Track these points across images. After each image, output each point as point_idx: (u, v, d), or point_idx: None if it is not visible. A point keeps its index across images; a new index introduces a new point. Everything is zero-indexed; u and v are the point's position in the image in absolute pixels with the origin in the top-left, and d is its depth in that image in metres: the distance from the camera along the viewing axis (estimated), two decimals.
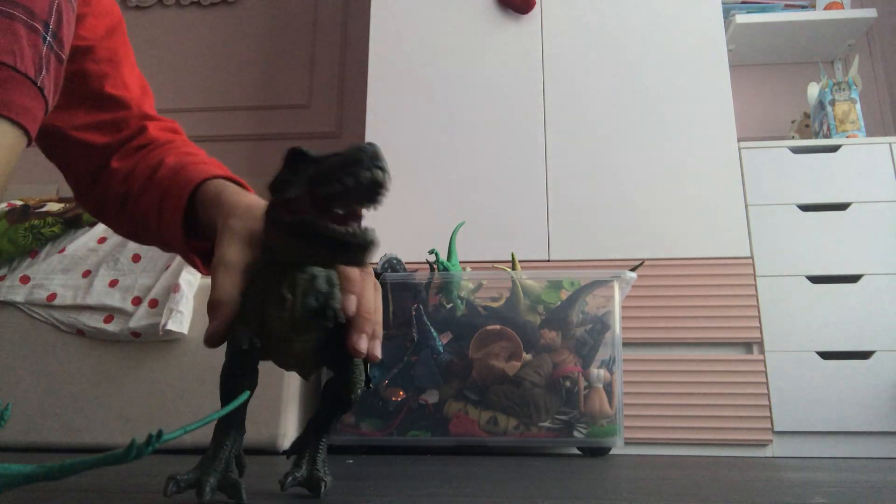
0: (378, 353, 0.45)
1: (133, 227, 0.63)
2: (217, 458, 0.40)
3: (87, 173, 0.64)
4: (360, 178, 0.35)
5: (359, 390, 0.45)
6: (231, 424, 0.42)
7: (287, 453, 0.48)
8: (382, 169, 0.35)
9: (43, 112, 0.46)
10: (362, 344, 0.42)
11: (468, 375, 1.30)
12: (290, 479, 0.44)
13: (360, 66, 2.48)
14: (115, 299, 1.38)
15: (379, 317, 0.46)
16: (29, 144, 0.46)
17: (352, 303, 0.43)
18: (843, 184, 1.81)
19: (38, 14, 0.44)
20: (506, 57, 1.91)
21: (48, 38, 0.45)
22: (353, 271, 0.44)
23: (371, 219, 1.49)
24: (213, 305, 0.43)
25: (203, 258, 0.60)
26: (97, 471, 0.73)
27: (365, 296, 0.44)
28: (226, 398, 0.41)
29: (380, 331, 0.46)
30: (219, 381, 0.41)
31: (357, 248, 0.37)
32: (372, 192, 0.36)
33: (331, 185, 0.36)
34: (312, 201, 0.37)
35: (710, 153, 1.78)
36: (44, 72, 0.45)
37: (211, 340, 0.42)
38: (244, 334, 0.40)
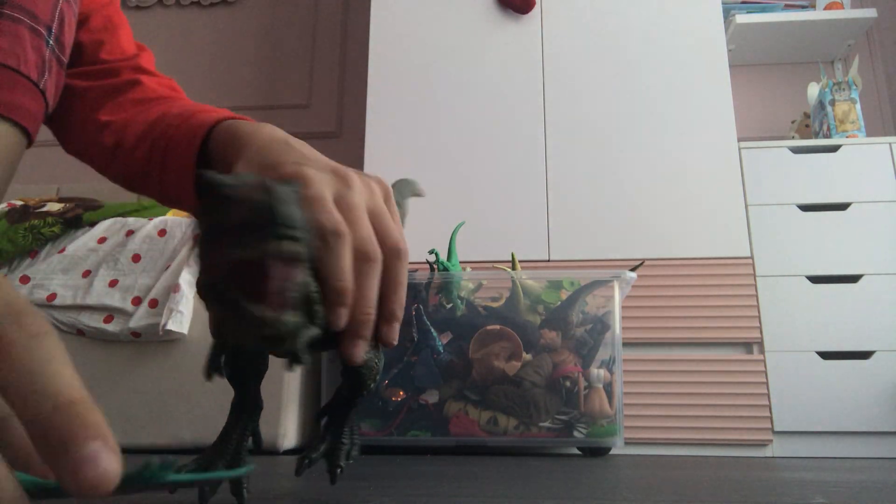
0: (391, 337, 0.39)
1: (127, 176, 0.58)
2: (228, 440, 0.40)
3: (70, 125, 0.59)
4: (262, 249, 0.26)
5: (371, 384, 0.41)
6: (243, 406, 0.41)
7: (316, 416, 0.47)
8: (293, 238, 0.27)
9: (43, 113, 0.46)
10: (355, 351, 0.37)
11: (468, 375, 1.30)
12: (306, 460, 0.42)
13: (360, 66, 2.48)
14: (115, 299, 1.38)
15: (393, 297, 0.39)
16: (29, 145, 0.46)
17: (340, 317, 0.35)
18: (843, 184, 1.81)
19: (42, 18, 0.45)
20: (506, 57, 1.91)
21: (51, 41, 0.46)
22: (333, 269, 0.35)
23: None
24: None
25: None
26: None
27: (357, 290, 0.37)
28: (230, 381, 0.40)
29: (395, 312, 0.39)
30: (222, 379, 0.41)
31: (270, 339, 0.28)
32: (285, 262, 0.27)
33: (230, 252, 0.27)
34: (223, 257, 0.27)
35: (710, 153, 1.78)
36: (46, 75, 0.45)
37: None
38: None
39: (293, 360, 0.32)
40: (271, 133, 0.44)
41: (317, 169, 0.39)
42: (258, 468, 0.77)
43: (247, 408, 0.41)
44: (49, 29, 0.46)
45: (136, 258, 1.44)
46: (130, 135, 0.55)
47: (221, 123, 0.49)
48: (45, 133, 0.64)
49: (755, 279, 1.71)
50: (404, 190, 0.57)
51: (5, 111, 0.43)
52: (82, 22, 0.56)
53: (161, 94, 0.59)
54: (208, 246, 0.28)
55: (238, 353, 0.41)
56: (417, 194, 0.58)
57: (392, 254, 0.39)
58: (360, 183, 0.40)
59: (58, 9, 0.46)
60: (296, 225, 0.27)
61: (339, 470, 0.42)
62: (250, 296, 0.27)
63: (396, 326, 0.39)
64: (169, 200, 0.56)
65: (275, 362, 0.44)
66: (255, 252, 0.26)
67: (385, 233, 0.39)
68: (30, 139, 0.45)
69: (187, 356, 1.37)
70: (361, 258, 0.36)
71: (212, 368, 0.38)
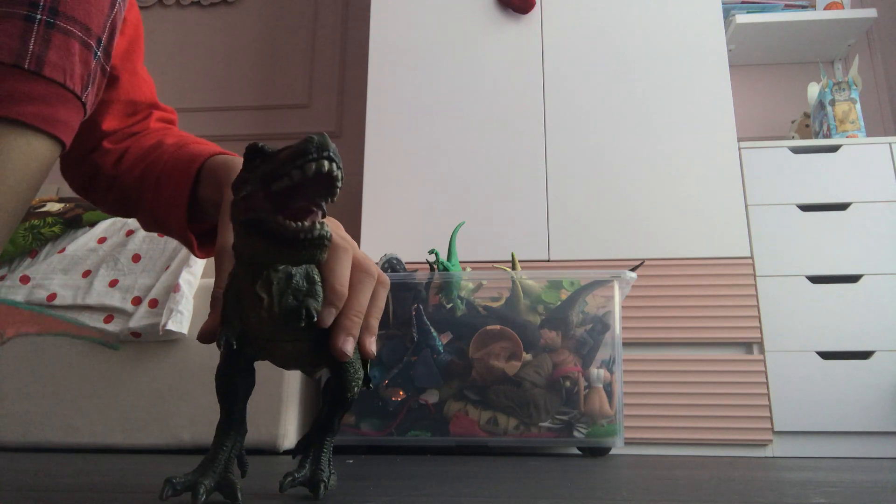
0: (371, 349, 0.43)
1: (120, 202, 0.62)
2: (215, 460, 0.40)
3: (78, 152, 0.62)
4: (306, 170, 0.34)
5: (356, 389, 0.44)
6: (231, 425, 0.41)
7: (293, 454, 0.48)
8: (330, 159, 0.34)
9: (80, 121, 0.47)
10: (346, 346, 0.40)
11: (468, 375, 1.30)
12: (290, 479, 0.43)
13: (360, 66, 2.48)
14: (115, 299, 1.38)
15: (375, 313, 0.44)
16: (63, 152, 0.47)
17: (329, 315, 0.40)
18: (843, 184, 1.81)
19: (95, 31, 0.46)
20: (506, 57, 1.91)
21: (99, 52, 0.46)
22: (337, 273, 0.41)
23: (371, 219, 1.50)
24: (215, 299, 0.42)
25: (199, 239, 0.59)
26: (95, 470, 0.73)
27: (355, 296, 0.42)
28: (222, 398, 0.41)
29: (374, 327, 0.44)
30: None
31: (306, 243, 0.35)
32: (322, 184, 0.34)
33: (280, 181, 0.34)
34: (267, 198, 0.35)
35: (710, 153, 1.78)
36: (90, 87, 0.46)
37: (203, 337, 0.42)
38: (224, 334, 0.39)
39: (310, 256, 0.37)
40: None
41: None
42: (258, 468, 0.77)
43: (235, 427, 0.42)
44: (99, 41, 0.46)
45: (136, 258, 1.44)
46: (127, 160, 0.60)
47: (216, 156, 0.55)
48: None
49: (755, 279, 1.71)
50: None
51: (48, 127, 0.43)
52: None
53: (157, 129, 0.64)
54: (258, 185, 0.35)
55: (235, 359, 0.41)
56: None
57: (380, 281, 0.45)
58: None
59: (110, 19, 0.47)
60: (331, 148, 0.34)
61: (319, 495, 0.44)
62: (291, 216, 0.35)
63: (373, 340, 0.44)
64: (155, 223, 0.60)
65: (272, 371, 0.43)
66: (307, 170, 0.33)
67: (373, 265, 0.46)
68: (64, 148, 0.46)
69: (187, 356, 1.37)
70: (363, 270, 0.43)
71: (219, 340, 0.40)
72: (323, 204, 0.37)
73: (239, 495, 0.39)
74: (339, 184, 0.35)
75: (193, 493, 0.38)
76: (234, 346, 0.39)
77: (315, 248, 0.35)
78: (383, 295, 0.45)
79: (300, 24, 2.62)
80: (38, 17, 0.42)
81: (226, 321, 0.40)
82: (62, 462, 0.93)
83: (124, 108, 0.62)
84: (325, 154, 0.34)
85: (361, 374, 0.44)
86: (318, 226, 0.35)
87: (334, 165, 0.34)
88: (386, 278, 0.46)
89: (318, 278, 0.40)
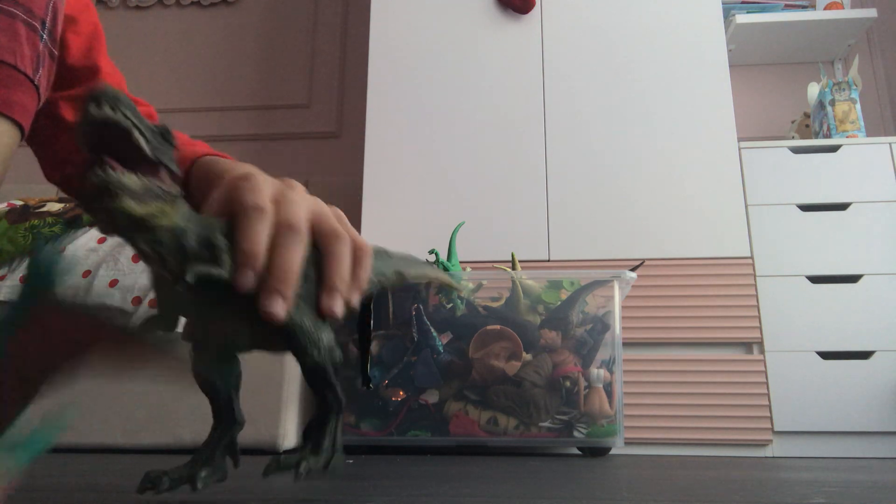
0: (330, 307, 0.39)
1: None
2: (203, 452, 0.41)
3: (57, 153, 0.61)
4: (86, 121, 0.30)
5: (317, 354, 0.39)
6: (217, 419, 0.41)
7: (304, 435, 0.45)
8: (98, 103, 0.30)
9: (36, 107, 0.47)
10: (272, 306, 0.36)
11: (468, 375, 1.30)
12: (276, 464, 0.40)
13: (360, 66, 2.48)
14: (115, 299, 1.38)
15: (337, 270, 0.40)
16: (22, 139, 0.47)
17: (244, 276, 0.36)
18: (843, 184, 1.81)
19: (37, 13, 0.46)
20: (506, 57, 1.91)
21: (44, 35, 0.47)
22: (245, 233, 0.37)
23: (371, 219, 1.50)
24: None
25: None
26: (95, 470, 0.73)
27: (279, 254, 0.37)
28: (204, 393, 0.41)
29: (339, 285, 0.40)
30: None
31: (92, 196, 0.31)
32: (108, 132, 0.31)
33: (76, 136, 0.32)
34: (83, 157, 0.33)
35: (710, 153, 1.78)
36: (40, 69, 0.46)
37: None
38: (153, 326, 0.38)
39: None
40: (247, 169, 0.47)
41: (269, 178, 0.42)
42: (258, 468, 0.77)
43: (220, 420, 0.41)
44: (43, 23, 0.46)
45: (136, 258, 1.44)
46: None
47: (203, 158, 0.55)
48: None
49: (755, 279, 1.71)
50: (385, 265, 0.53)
51: (6, 109, 0.44)
52: (70, 22, 0.58)
53: None
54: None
55: (202, 356, 0.41)
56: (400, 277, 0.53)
57: (330, 235, 0.41)
58: (305, 193, 0.43)
59: (52, 2, 0.47)
60: (110, 94, 0.31)
61: (300, 471, 0.39)
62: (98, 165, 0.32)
63: (337, 297, 0.40)
64: None
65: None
66: (86, 120, 0.31)
67: (323, 222, 0.41)
68: (23, 133, 0.46)
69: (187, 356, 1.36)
70: (284, 228, 0.38)
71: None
72: (162, 163, 0.33)
73: (198, 483, 0.39)
74: (124, 125, 0.31)
75: (192, 484, 0.38)
76: (160, 334, 0.38)
77: (102, 198, 0.31)
78: (340, 249, 0.41)
79: (300, 24, 2.62)
80: None
81: (159, 316, 0.39)
82: (62, 462, 0.93)
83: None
84: (97, 99, 0.30)
85: (325, 337, 0.39)
86: (98, 173, 0.31)
87: (106, 109, 0.30)
88: (339, 229, 0.42)
89: (222, 243, 0.36)
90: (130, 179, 0.32)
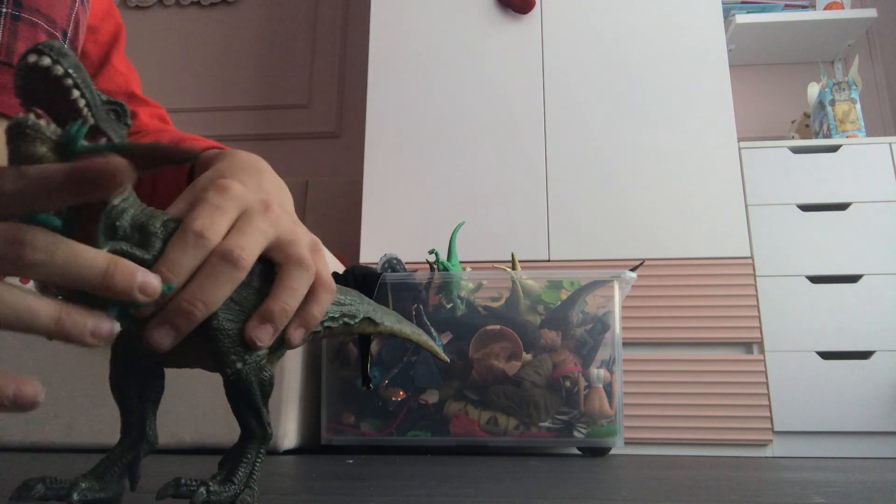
0: (256, 337, 0.35)
1: None
2: (99, 466, 0.36)
3: None
4: (22, 69, 0.28)
5: (238, 364, 0.35)
6: (123, 433, 0.37)
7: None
8: (39, 53, 0.28)
9: None
10: (154, 335, 0.32)
11: (468, 375, 1.30)
12: (177, 486, 0.33)
13: (360, 66, 2.48)
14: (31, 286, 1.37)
15: (275, 303, 0.36)
16: None
17: (147, 306, 0.31)
18: (843, 184, 1.81)
19: (59, 23, 0.46)
20: (506, 57, 1.91)
21: (66, 45, 0.47)
22: (167, 258, 0.32)
23: (371, 219, 1.50)
24: None
25: None
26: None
27: (199, 285, 0.33)
28: (118, 405, 0.37)
29: (275, 315, 0.36)
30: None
31: (8, 138, 0.28)
32: (46, 85, 0.29)
33: (14, 88, 0.29)
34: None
35: (710, 153, 1.78)
36: None
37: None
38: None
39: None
40: (245, 159, 0.45)
41: (248, 192, 0.37)
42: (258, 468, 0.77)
43: (129, 435, 0.36)
44: (65, 33, 0.47)
45: None
46: None
47: (210, 150, 0.53)
48: None
49: (755, 279, 1.71)
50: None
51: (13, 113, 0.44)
52: (91, 31, 0.58)
53: (153, 128, 0.63)
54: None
55: (119, 360, 0.36)
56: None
57: (290, 260, 0.37)
58: (281, 216, 0.38)
59: (74, 12, 0.47)
60: (46, 48, 0.29)
61: (194, 501, 0.33)
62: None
63: (266, 328, 0.35)
64: None
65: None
66: (16, 75, 0.29)
67: (287, 246, 0.38)
68: None
69: None
70: (217, 258, 0.34)
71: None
72: (105, 133, 0.31)
73: (74, 496, 0.33)
74: (63, 82, 0.29)
75: (67, 495, 0.33)
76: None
77: (17, 143, 0.28)
78: (294, 276, 0.37)
79: (300, 24, 2.62)
80: (3, 10, 0.43)
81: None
82: (62, 462, 0.93)
83: None
84: (39, 49, 0.28)
85: (233, 345, 0.35)
86: (18, 115, 0.29)
87: (46, 59, 0.28)
88: (326, 278, 0.39)
89: (158, 230, 0.32)
90: (52, 129, 0.29)
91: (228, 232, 0.35)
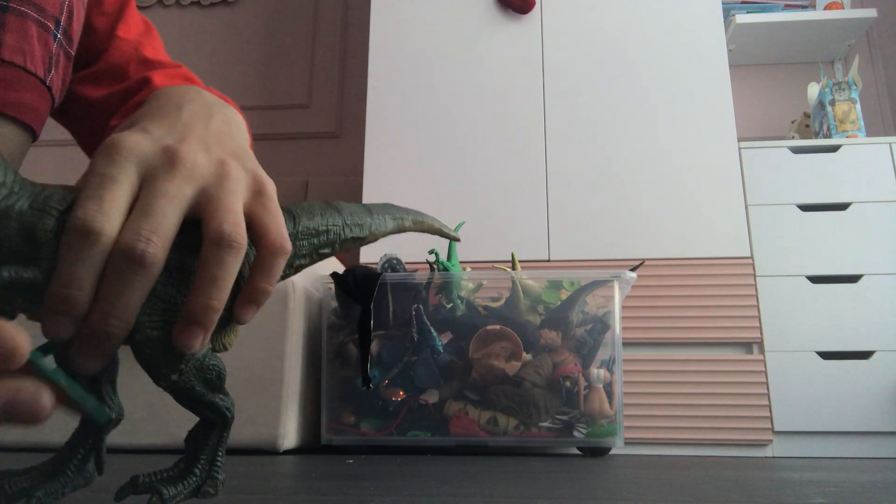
0: (182, 342, 0.29)
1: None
2: (61, 451, 0.34)
3: (90, 132, 0.56)
4: None
5: (172, 376, 0.31)
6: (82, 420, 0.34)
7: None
8: None
9: (49, 109, 0.46)
10: (81, 359, 0.28)
11: (468, 375, 1.30)
12: (137, 483, 0.33)
13: (360, 66, 2.48)
14: None
15: (197, 298, 0.29)
16: (34, 141, 0.46)
17: (56, 326, 0.27)
18: (843, 184, 1.81)
19: (50, 11, 0.44)
20: (506, 57, 1.91)
21: (58, 34, 0.45)
22: (62, 273, 0.26)
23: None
24: None
25: None
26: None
27: (109, 299, 0.27)
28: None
29: (197, 316, 0.29)
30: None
31: None
32: None
33: None
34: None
35: (710, 153, 1.78)
36: (52, 70, 0.45)
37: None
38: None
39: None
40: (170, 94, 0.38)
41: (146, 142, 0.30)
42: (258, 468, 0.77)
43: (84, 419, 0.33)
44: (57, 22, 0.45)
45: None
46: None
47: (161, 90, 0.45)
48: (48, 133, 0.64)
49: (755, 279, 1.71)
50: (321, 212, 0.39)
51: (14, 112, 0.42)
52: (94, 4, 0.55)
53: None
54: None
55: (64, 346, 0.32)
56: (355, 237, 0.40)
57: (212, 240, 0.29)
58: (193, 163, 0.30)
59: (67, 1, 0.45)
60: None
61: (153, 501, 0.31)
62: None
63: (195, 332, 0.29)
64: None
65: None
66: None
67: (213, 216, 0.30)
68: (35, 136, 0.45)
69: None
70: (118, 258, 0.27)
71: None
72: None
73: (90, 480, 0.32)
74: None
75: (27, 500, 0.31)
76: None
77: None
78: (225, 260, 0.29)
79: (300, 24, 2.62)
80: None
81: None
82: None
83: (104, 75, 0.56)
84: None
85: (193, 357, 0.31)
86: None
87: None
88: (229, 234, 0.29)
89: (45, 237, 0.27)
90: None
91: (130, 210, 0.28)
